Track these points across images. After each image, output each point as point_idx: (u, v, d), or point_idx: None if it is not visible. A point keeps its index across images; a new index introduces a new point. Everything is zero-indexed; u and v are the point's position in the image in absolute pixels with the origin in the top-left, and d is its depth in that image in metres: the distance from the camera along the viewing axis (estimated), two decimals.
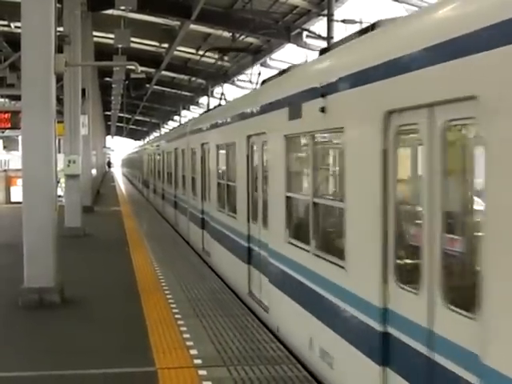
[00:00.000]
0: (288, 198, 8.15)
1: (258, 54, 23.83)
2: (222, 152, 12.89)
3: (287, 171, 8.21)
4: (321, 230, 7.27)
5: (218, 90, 41.01)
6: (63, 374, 7.06)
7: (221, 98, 18.22)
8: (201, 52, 25.58)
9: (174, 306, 9.85)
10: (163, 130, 66.35)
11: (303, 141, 7.86)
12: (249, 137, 10.20)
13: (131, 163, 62.79)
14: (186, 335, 8.26)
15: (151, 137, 75.82)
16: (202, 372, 6.90)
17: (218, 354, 7.48)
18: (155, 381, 6.70)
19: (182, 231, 19.03)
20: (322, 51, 7.94)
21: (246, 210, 10.38)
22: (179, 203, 20.36)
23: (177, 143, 20.89)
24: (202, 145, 15.10)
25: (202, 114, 20.76)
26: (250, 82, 17.38)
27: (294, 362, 7.19)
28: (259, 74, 15.48)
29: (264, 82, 10.79)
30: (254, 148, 10.04)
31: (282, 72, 9.73)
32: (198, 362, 7.23)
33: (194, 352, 7.56)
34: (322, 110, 6.55)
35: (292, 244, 8.00)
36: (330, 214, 7.21)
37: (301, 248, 7.63)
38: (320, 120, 6.68)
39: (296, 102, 7.55)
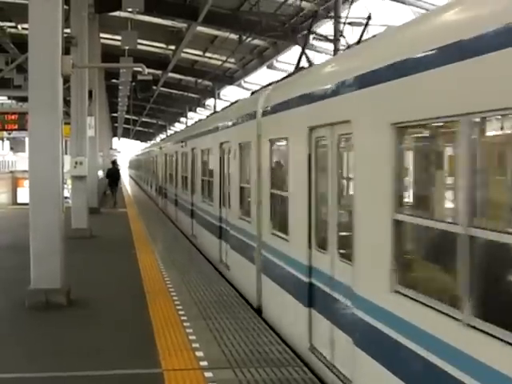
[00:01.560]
0: None
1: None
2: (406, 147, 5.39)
3: None
4: None
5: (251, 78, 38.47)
6: (68, 375, 7.06)
7: (301, 55, 11.58)
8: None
9: (180, 307, 9.84)
10: (169, 132, 65.83)
11: None
12: None
13: (141, 165, 54.21)
14: (192, 337, 8.26)
15: (158, 138, 74.55)
16: (208, 374, 6.89)
17: (224, 357, 7.47)
18: (161, 383, 6.70)
19: (240, 279, 11.70)
20: None
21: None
22: (232, 234, 12.37)
23: (226, 135, 13.16)
24: (312, 130, 7.45)
25: (287, 76, 11.30)
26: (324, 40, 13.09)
27: (300, 365, 7.18)
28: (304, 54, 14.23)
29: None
30: None
31: None
32: (203, 364, 7.23)
33: (199, 354, 7.56)
34: None
35: None
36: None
37: None
38: None
39: None
